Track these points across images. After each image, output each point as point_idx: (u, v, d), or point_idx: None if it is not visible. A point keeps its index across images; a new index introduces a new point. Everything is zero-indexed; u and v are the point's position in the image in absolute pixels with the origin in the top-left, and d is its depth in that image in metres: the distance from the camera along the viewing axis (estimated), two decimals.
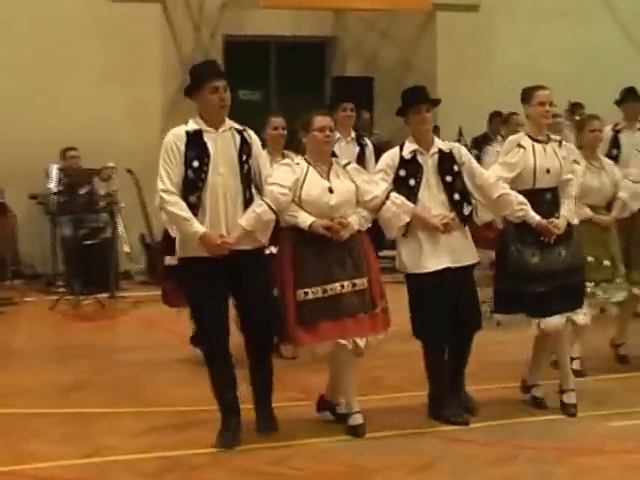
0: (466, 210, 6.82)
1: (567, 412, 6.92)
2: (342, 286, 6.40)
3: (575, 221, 7.22)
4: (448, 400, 6.73)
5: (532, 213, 6.93)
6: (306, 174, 6.53)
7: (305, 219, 6.40)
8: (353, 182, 6.61)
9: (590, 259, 7.61)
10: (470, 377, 7.07)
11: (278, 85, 14.74)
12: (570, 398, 6.98)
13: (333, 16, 14.66)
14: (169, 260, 8.19)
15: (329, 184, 6.52)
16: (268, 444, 6.30)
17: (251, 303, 6.36)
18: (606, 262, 7.80)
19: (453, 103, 9.69)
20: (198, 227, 6.16)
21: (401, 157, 6.83)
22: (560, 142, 7.31)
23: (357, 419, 6.54)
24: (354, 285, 6.43)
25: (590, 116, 8.48)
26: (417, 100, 6.87)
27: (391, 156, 6.88)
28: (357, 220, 6.56)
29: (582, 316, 7.07)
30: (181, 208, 6.18)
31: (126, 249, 12.35)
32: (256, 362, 6.56)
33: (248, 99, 14.62)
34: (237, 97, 14.38)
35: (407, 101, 6.93)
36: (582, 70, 13.23)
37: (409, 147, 6.85)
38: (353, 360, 6.58)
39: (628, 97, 9.72)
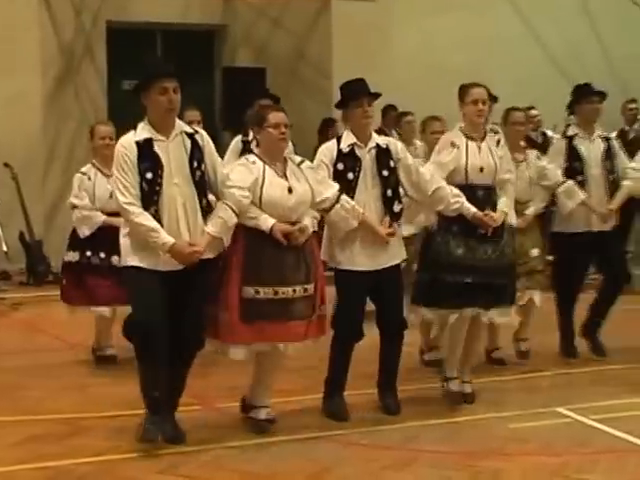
0: (396, 207, 7.04)
1: (466, 401, 7.32)
2: (294, 291, 6.50)
3: (512, 221, 7.51)
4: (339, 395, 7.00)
5: (467, 205, 7.19)
6: (264, 174, 6.57)
7: (265, 221, 6.45)
8: (308, 182, 6.69)
9: None
10: (369, 379, 7.19)
11: None
12: (468, 388, 7.42)
13: (223, 3, 14.64)
14: (68, 257, 8.62)
15: (288, 183, 6.59)
16: (157, 451, 6.29)
17: (190, 309, 6.40)
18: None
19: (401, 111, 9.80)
20: (167, 238, 6.17)
21: (339, 150, 7.01)
22: (498, 141, 7.55)
23: (263, 413, 6.76)
24: (305, 290, 6.55)
25: (432, 117, 8.59)
26: (358, 93, 7.06)
27: (329, 149, 7.05)
28: (311, 222, 6.67)
29: (500, 316, 7.38)
30: (147, 219, 6.17)
31: (3, 248, 12.21)
32: (182, 363, 6.60)
33: (132, 90, 14.48)
34: (121, 87, 14.38)
35: (347, 94, 7.12)
36: (482, 61, 13.42)
37: (347, 140, 7.04)
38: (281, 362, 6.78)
39: (585, 95, 8.83)
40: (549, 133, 12.57)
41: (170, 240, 6.16)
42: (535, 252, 8.47)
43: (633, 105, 12.92)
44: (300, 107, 9.67)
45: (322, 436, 6.57)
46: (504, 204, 7.36)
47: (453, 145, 7.33)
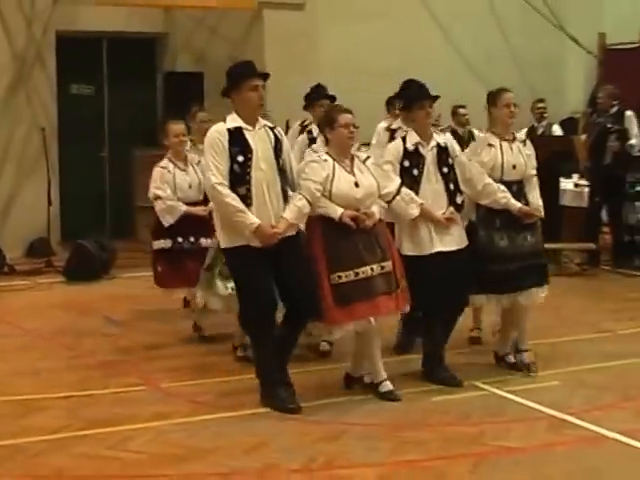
0: (459, 199, 7.26)
1: (529, 370, 7.46)
2: (372, 269, 6.66)
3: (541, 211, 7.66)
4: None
5: (513, 200, 7.40)
6: (334, 170, 6.74)
7: (335, 210, 6.64)
8: (373, 176, 6.88)
9: None
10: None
11: (110, 80, 14.54)
12: (530, 357, 7.56)
13: (163, 13, 14.56)
14: (160, 244, 8.60)
15: (355, 179, 6.76)
16: (106, 429, 6.24)
17: (295, 280, 6.56)
18: None
19: (281, 97, 9.79)
20: (253, 219, 6.37)
21: (405, 149, 7.20)
22: (524, 141, 7.73)
23: (387, 386, 6.83)
24: (382, 268, 6.70)
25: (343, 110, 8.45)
26: (422, 96, 7.26)
27: (396, 148, 7.24)
28: (378, 210, 6.85)
29: (542, 294, 7.54)
30: (234, 199, 6.38)
31: None
32: (294, 329, 6.70)
33: (81, 93, 14.41)
34: (70, 91, 14.24)
35: (412, 96, 7.33)
36: (401, 65, 13.38)
37: (412, 139, 7.23)
38: (379, 333, 6.87)
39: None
40: (476, 132, 12.65)
41: (256, 221, 6.36)
42: None
43: (541, 105, 13.05)
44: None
45: (259, 412, 6.54)
46: (537, 197, 7.63)
47: (490, 145, 7.52)
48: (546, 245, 8.01)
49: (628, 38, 15.34)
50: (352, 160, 6.86)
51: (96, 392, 7.09)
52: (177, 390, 7.12)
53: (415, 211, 7.04)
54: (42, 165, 12.75)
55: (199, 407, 6.72)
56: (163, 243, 8.60)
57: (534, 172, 7.71)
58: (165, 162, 8.72)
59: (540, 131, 13.00)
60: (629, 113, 12.17)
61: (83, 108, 14.24)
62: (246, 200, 6.41)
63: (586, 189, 12.68)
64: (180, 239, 8.55)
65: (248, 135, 6.50)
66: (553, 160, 12.70)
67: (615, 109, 12.23)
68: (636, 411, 6.66)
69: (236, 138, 6.46)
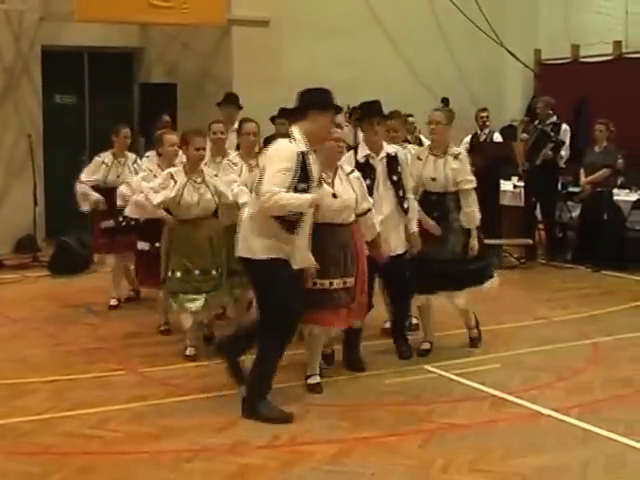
0: (405, 205, 7.25)
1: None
2: (331, 283, 6.43)
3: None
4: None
5: (414, 223, 7.41)
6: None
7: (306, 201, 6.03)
8: (354, 191, 6.60)
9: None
10: None
11: (91, 90, 14.45)
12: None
13: (139, 29, 14.48)
14: (142, 245, 8.29)
15: (333, 190, 6.47)
16: (88, 410, 6.22)
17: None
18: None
19: (248, 108, 9.71)
20: (307, 195, 5.93)
21: (356, 161, 7.15)
22: (457, 155, 7.48)
23: (316, 378, 6.69)
24: (344, 283, 6.47)
25: (246, 119, 8.10)
26: (371, 114, 7.25)
27: (348, 160, 7.04)
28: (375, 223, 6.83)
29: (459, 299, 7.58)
30: (288, 194, 5.87)
31: None
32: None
33: (64, 103, 14.32)
34: (54, 101, 14.14)
35: (363, 113, 7.36)
36: (357, 79, 13.43)
37: (362, 152, 7.24)
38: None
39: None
40: (423, 138, 12.68)
41: (311, 195, 5.96)
42: None
43: (484, 114, 13.10)
44: (205, 117, 9.57)
45: (228, 394, 6.51)
46: (470, 211, 7.53)
47: (419, 159, 7.55)
48: (488, 241, 8.04)
49: (561, 54, 15.44)
50: (335, 172, 6.58)
51: (79, 376, 7.05)
52: (153, 374, 7.10)
53: (370, 237, 6.86)
54: (28, 168, 12.72)
55: (173, 389, 6.71)
56: (142, 245, 8.32)
57: (468, 186, 7.47)
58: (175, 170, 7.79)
59: (483, 138, 13.06)
60: (565, 127, 12.28)
61: (66, 116, 14.14)
62: (295, 227, 5.99)
63: (523, 190, 12.78)
64: (158, 244, 8.30)
65: (309, 160, 6.02)
66: (494, 164, 12.81)
67: (553, 119, 12.33)
68: (568, 390, 6.71)
69: (303, 162, 5.95)
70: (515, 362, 7.45)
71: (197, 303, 7.31)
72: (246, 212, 6.14)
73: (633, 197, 12.02)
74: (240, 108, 9.78)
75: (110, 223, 9.19)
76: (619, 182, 12.34)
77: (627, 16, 14.63)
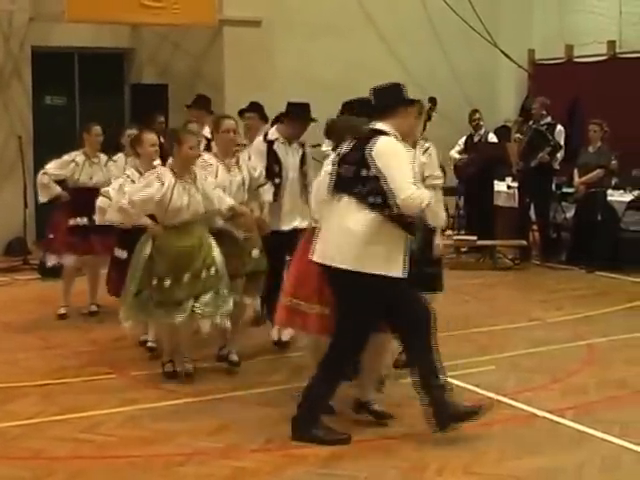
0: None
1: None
2: None
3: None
4: None
5: None
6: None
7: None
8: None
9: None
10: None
11: (81, 91, 14.43)
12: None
13: (130, 29, 14.46)
14: (119, 253, 7.84)
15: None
16: (79, 414, 6.21)
17: None
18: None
19: (239, 107, 9.70)
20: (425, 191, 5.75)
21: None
22: (426, 149, 7.09)
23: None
24: None
25: (223, 116, 7.73)
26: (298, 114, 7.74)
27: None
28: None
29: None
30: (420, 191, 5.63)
31: None
32: None
33: (54, 104, 14.29)
34: (44, 102, 14.12)
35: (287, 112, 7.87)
36: (349, 78, 13.38)
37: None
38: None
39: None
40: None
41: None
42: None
43: (476, 115, 13.15)
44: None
45: (221, 398, 6.52)
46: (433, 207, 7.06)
47: None
48: (482, 242, 8.04)
49: (555, 54, 15.46)
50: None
51: (69, 380, 7.05)
52: (144, 378, 7.08)
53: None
54: (19, 170, 12.65)
55: (165, 393, 6.70)
56: (120, 253, 7.84)
57: (436, 182, 6.95)
58: (131, 171, 7.62)
59: (477, 138, 13.10)
60: (560, 128, 12.31)
61: (56, 118, 14.11)
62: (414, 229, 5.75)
63: (517, 190, 12.81)
64: None
65: None
66: (488, 165, 12.85)
67: (548, 119, 12.36)
68: (563, 391, 6.72)
69: None
70: (510, 364, 7.45)
71: (184, 313, 6.81)
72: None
73: (627, 197, 12.04)
74: (211, 112, 9.48)
75: (83, 221, 8.88)
76: (613, 182, 12.36)
77: (621, 16, 14.66)
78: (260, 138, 7.99)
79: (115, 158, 9.15)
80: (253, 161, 7.60)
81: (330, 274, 5.69)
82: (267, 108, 9.20)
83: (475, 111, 13.19)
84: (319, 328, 5.96)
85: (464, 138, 13.18)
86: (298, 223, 7.79)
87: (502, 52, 15.74)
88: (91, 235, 8.87)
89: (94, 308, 9.29)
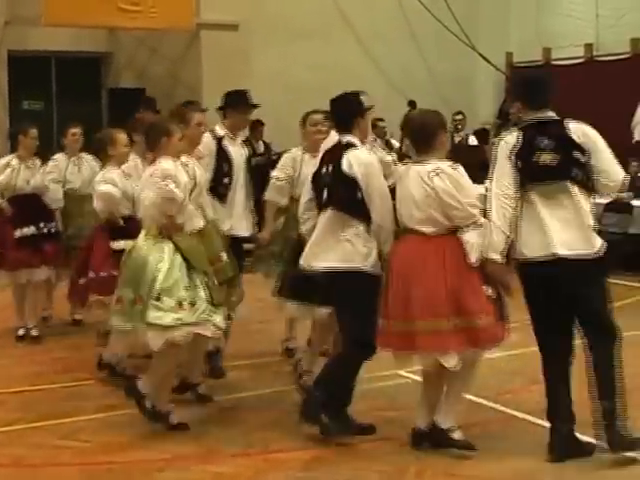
0: None
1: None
2: None
3: None
4: None
5: None
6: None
7: None
8: None
9: None
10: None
11: (59, 96, 14.40)
12: None
13: (108, 33, 14.44)
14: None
15: None
16: (57, 420, 6.18)
17: None
18: None
19: (218, 112, 9.68)
20: None
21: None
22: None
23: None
24: None
25: (191, 107, 7.29)
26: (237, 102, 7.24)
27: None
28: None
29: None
30: None
31: None
32: None
33: (31, 109, 14.26)
34: (21, 107, 14.06)
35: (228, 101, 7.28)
36: (328, 81, 13.39)
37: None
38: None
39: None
40: (393, 141, 12.74)
41: None
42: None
43: (457, 117, 13.23)
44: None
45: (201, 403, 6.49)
46: None
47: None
48: None
49: (532, 57, 15.52)
50: None
51: (47, 387, 7.01)
52: (123, 384, 7.03)
53: None
54: None
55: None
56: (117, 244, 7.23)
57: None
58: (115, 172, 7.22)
59: (457, 140, 13.19)
60: None
61: (34, 122, 14.05)
62: None
63: None
64: None
65: None
66: (467, 168, 12.88)
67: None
68: (542, 393, 6.68)
69: None
70: (489, 366, 7.43)
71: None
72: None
73: (605, 199, 12.08)
74: (157, 112, 9.32)
75: (30, 230, 8.39)
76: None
77: (597, 19, 14.75)
78: (208, 135, 7.09)
79: (55, 157, 8.91)
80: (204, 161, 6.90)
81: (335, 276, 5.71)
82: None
83: (457, 113, 13.28)
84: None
85: None
86: (245, 229, 7.22)
87: (480, 55, 15.80)
88: (42, 244, 8.41)
89: (47, 314, 8.95)
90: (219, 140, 7.14)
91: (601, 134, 5.87)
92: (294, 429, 5.97)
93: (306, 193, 6.07)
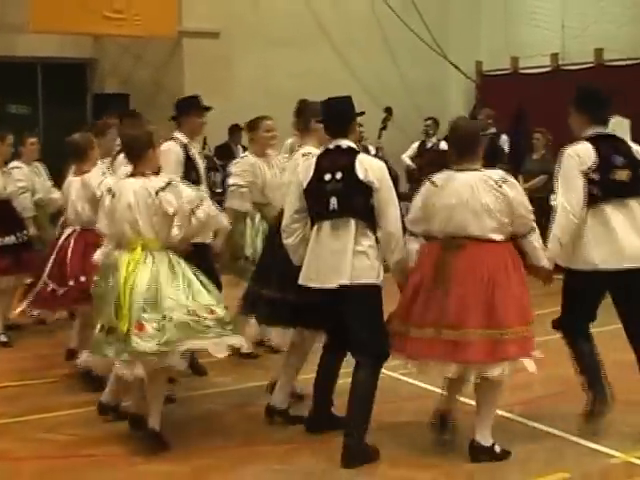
0: None
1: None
2: None
3: None
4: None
5: None
6: None
7: None
8: None
9: None
10: None
11: (45, 101, 14.32)
12: None
13: (93, 40, 14.37)
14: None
15: None
16: (40, 415, 6.15)
17: None
18: None
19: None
20: None
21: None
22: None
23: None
24: None
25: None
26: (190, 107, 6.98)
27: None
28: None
29: None
30: None
31: None
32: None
33: (18, 113, 14.17)
34: (8, 111, 13.97)
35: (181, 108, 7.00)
36: (305, 88, 13.30)
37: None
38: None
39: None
40: (370, 147, 12.74)
41: None
42: None
43: (427, 122, 13.29)
44: (157, 126, 9.53)
45: (180, 397, 6.43)
46: None
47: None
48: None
49: (501, 66, 15.57)
50: None
51: (31, 382, 6.96)
52: (106, 378, 6.98)
53: None
54: None
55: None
56: None
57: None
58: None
59: (429, 145, 13.25)
60: (504, 137, 12.48)
61: (20, 126, 13.99)
62: None
63: None
64: None
65: None
66: (437, 171, 12.91)
67: (492, 129, 12.53)
68: (511, 388, 6.67)
69: None
70: None
71: None
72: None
73: None
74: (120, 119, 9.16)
75: (11, 240, 8.21)
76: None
77: (563, 30, 14.82)
78: (174, 143, 6.78)
79: (18, 165, 8.68)
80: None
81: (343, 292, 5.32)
82: (227, 117, 9.18)
83: (429, 119, 13.37)
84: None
85: (417, 144, 13.32)
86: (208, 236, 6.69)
87: (451, 63, 15.83)
88: (22, 253, 8.22)
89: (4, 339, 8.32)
90: (185, 147, 6.83)
91: (566, 139, 5.90)
92: (272, 423, 5.96)
93: (292, 204, 5.56)
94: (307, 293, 5.44)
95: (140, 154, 5.66)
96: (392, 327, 5.45)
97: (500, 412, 6.06)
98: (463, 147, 5.44)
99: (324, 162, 5.45)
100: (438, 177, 5.47)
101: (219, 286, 6.25)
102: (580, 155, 5.64)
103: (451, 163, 5.47)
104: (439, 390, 6.13)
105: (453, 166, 5.44)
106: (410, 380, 6.81)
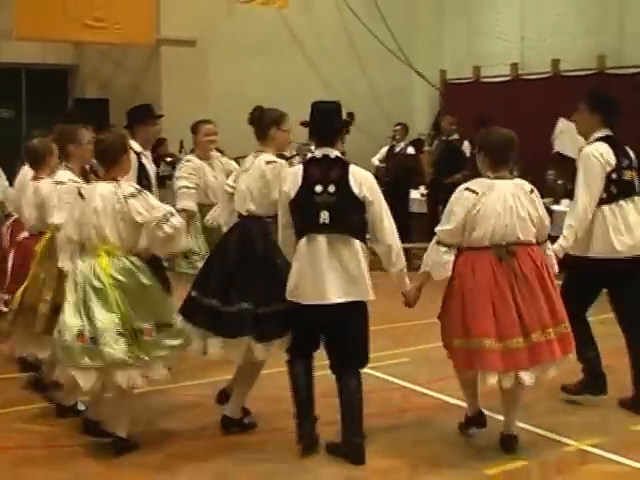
0: None
1: None
2: None
3: None
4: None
5: None
6: None
7: None
8: None
9: None
10: None
11: (28, 105, 14.24)
12: None
13: (74, 47, 14.30)
14: None
15: None
16: (21, 407, 6.10)
17: None
18: None
19: (176, 123, 9.64)
20: None
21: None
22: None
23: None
24: None
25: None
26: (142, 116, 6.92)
27: None
28: None
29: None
30: None
31: None
32: None
33: (2, 117, 14.08)
34: None
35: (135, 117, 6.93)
36: (279, 95, 13.31)
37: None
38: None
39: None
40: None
41: None
42: None
43: (397, 127, 13.32)
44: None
45: (155, 390, 6.31)
46: None
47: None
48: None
49: (464, 74, 15.62)
50: None
51: (12, 375, 6.87)
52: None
53: None
54: None
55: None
56: None
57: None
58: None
59: (397, 149, 13.27)
60: (466, 143, 12.51)
61: (4, 130, 13.92)
62: None
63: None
64: None
65: None
66: (404, 174, 12.98)
67: (455, 136, 12.58)
68: None
69: None
70: (423, 356, 7.49)
71: None
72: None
73: None
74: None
75: None
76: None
77: (522, 41, 14.90)
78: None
79: None
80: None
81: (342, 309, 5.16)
82: None
83: (398, 124, 13.40)
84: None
85: (386, 148, 13.34)
86: None
87: (416, 72, 15.88)
88: None
89: None
90: (138, 155, 6.65)
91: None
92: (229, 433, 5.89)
93: (283, 216, 5.27)
94: (298, 309, 5.20)
95: (115, 159, 5.45)
96: (457, 344, 5.41)
97: (462, 404, 6.09)
98: (500, 156, 5.38)
99: (313, 172, 5.15)
100: (475, 185, 5.31)
101: (168, 286, 6.11)
102: (604, 156, 5.81)
103: (484, 171, 5.39)
104: (401, 382, 6.15)
105: (488, 174, 5.35)
106: (377, 373, 6.81)
